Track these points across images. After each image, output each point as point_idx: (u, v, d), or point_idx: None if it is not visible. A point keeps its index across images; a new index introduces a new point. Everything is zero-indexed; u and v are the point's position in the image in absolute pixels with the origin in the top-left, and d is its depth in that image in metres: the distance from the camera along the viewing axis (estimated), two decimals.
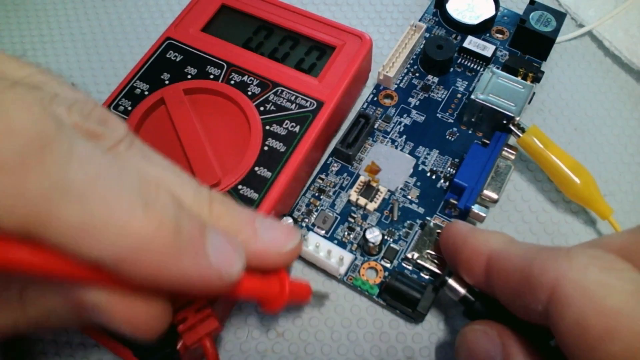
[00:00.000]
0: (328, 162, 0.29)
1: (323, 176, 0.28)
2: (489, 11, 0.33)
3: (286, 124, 0.26)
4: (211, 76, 0.28)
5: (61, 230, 0.14)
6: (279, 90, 0.28)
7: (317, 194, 0.28)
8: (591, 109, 0.31)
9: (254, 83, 0.28)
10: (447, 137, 0.29)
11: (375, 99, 0.31)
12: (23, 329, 0.18)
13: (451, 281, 0.22)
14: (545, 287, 0.17)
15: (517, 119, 0.27)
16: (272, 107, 0.27)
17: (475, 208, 0.25)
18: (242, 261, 0.18)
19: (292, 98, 0.27)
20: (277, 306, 0.20)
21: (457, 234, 0.22)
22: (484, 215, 0.25)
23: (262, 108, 0.27)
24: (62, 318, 0.18)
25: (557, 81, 0.32)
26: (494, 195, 0.26)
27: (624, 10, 0.33)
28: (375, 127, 0.30)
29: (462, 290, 0.22)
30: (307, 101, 0.27)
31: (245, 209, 0.19)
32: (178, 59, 0.29)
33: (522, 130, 0.27)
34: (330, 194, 0.28)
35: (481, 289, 0.21)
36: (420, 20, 0.33)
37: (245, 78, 0.28)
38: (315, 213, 0.27)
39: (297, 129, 0.26)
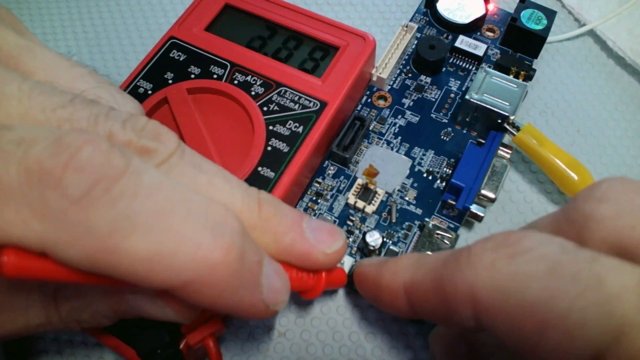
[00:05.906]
0: (324, 165, 0.29)
1: (320, 180, 0.28)
2: (479, 10, 0.33)
3: (289, 124, 0.26)
4: (214, 76, 0.28)
5: (128, 263, 0.14)
6: (283, 91, 0.28)
7: (314, 198, 0.28)
8: (594, 111, 0.31)
9: (258, 83, 0.28)
10: (442, 137, 0.29)
11: (369, 100, 0.31)
12: (54, 326, 0.19)
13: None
14: (464, 303, 0.15)
15: (512, 117, 0.27)
16: (276, 107, 0.27)
17: (474, 208, 0.26)
18: (288, 295, 0.18)
19: (296, 98, 0.27)
20: (315, 295, 0.21)
21: (367, 278, 0.21)
22: (482, 215, 0.26)
23: (265, 108, 0.27)
24: (96, 312, 0.18)
25: (560, 82, 0.32)
26: (492, 195, 0.26)
27: (628, 10, 0.33)
28: (370, 128, 0.30)
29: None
30: (310, 101, 0.27)
31: (293, 209, 0.19)
32: (181, 59, 0.29)
33: (517, 128, 0.27)
34: (328, 197, 0.28)
35: (421, 320, 0.21)
36: (410, 20, 0.33)
37: (248, 78, 0.28)
38: (314, 217, 0.27)
39: (300, 129, 0.26)
